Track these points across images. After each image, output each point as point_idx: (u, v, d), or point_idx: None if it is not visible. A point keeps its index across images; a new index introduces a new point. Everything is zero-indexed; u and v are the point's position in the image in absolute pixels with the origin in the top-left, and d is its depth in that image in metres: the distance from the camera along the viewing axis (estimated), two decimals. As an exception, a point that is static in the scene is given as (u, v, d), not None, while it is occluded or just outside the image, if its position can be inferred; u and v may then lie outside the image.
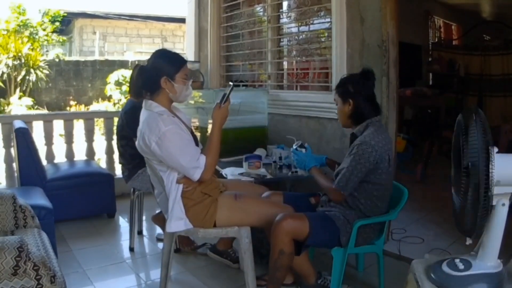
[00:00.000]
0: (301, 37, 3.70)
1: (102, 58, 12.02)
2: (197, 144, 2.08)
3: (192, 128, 2.29)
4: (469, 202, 1.40)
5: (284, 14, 3.94)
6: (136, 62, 11.36)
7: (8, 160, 3.74)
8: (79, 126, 4.37)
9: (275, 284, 2.11)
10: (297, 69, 3.78)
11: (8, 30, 10.32)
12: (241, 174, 2.72)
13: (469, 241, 1.51)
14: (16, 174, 3.51)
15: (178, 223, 2.05)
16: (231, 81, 2.27)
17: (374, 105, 2.19)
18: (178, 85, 2.00)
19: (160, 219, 2.83)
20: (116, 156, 3.78)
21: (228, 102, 2.06)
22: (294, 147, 2.41)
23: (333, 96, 2.28)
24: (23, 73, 9.79)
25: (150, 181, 2.25)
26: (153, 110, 1.99)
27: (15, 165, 3.61)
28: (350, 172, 2.04)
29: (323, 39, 3.49)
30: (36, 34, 11.25)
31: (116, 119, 4.40)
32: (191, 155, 1.97)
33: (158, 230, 3.20)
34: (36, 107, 9.80)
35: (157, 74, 1.98)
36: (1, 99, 9.59)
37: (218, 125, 2.06)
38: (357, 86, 2.16)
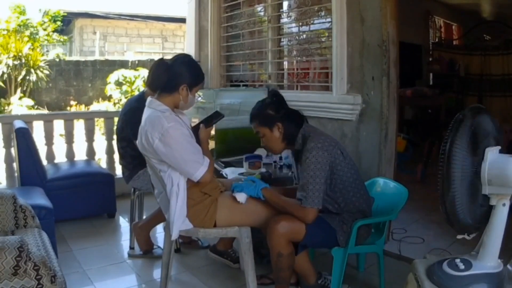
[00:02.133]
0: (301, 37, 3.70)
1: (102, 58, 12.02)
2: (198, 144, 2.09)
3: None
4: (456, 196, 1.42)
5: (284, 14, 3.94)
6: (137, 62, 11.39)
7: (8, 160, 3.74)
8: (79, 126, 4.36)
9: (282, 284, 2.11)
10: (297, 69, 3.77)
11: (8, 30, 10.31)
12: (241, 174, 2.72)
13: (460, 237, 1.52)
14: (16, 174, 3.51)
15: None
16: (218, 111, 2.34)
17: (296, 116, 2.15)
18: (191, 97, 2.08)
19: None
20: (116, 156, 3.78)
21: (211, 127, 2.24)
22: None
23: (253, 129, 2.18)
24: (23, 73, 9.79)
25: (151, 180, 2.25)
26: (156, 109, 2.01)
27: (15, 165, 3.61)
28: (313, 183, 1.95)
29: (323, 39, 3.48)
30: (37, 34, 11.25)
31: (116, 119, 4.41)
32: (193, 152, 1.98)
33: (158, 229, 3.20)
34: (36, 107, 9.80)
35: (181, 78, 2.03)
36: (2, 99, 9.60)
37: (206, 142, 2.18)
38: (275, 106, 2.12)
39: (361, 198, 2.12)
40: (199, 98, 2.20)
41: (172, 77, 2.03)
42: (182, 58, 2.10)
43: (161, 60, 2.12)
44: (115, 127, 4.41)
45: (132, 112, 2.70)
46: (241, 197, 2.08)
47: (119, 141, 2.92)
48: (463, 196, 1.46)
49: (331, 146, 2.02)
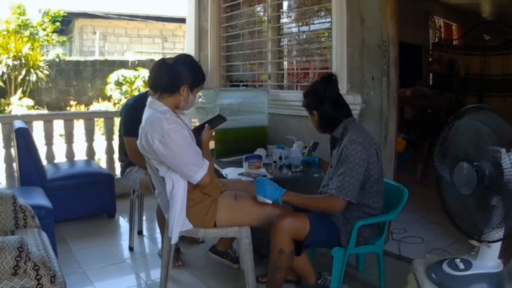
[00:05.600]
0: (301, 37, 3.70)
1: (102, 58, 12.01)
2: (198, 145, 2.09)
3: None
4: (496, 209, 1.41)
5: (284, 14, 3.95)
6: (136, 62, 11.38)
7: (8, 160, 3.74)
8: (79, 126, 4.37)
9: (275, 287, 2.08)
10: (297, 69, 3.78)
11: (8, 30, 10.30)
12: (241, 174, 2.72)
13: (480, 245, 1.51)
14: (16, 174, 3.51)
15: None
16: (220, 114, 2.36)
17: (342, 108, 2.17)
18: (191, 97, 2.08)
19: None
20: (116, 156, 3.79)
21: (213, 130, 2.26)
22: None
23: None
24: (23, 73, 9.79)
25: (139, 182, 2.24)
26: (157, 109, 2.01)
27: (15, 165, 3.61)
28: (351, 176, 1.96)
29: (323, 39, 3.49)
30: (37, 34, 11.23)
31: (116, 119, 4.43)
32: (193, 154, 1.98)
33: (158, 229, 3.19)
34: (36, 107, 9.79)
35: (182, 79, 2.02)
36: (2, 99, 9.59)
37: (207, 144, 2.19)
38: (319, 94, 2.14)
39: (378, 202, 2.13)
40: (200, 99, 2.19)
41: (173, 77, 2.02)
42: (184, 59, 2.09)
43: (162, 60, 2.11)
44: (115, 126, 4.43)
45: (126, 110, 2.79)
46: (268, 201, 2.07)
47: (119, 136, 2.96)
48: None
49: (370, 144, 2.05)
